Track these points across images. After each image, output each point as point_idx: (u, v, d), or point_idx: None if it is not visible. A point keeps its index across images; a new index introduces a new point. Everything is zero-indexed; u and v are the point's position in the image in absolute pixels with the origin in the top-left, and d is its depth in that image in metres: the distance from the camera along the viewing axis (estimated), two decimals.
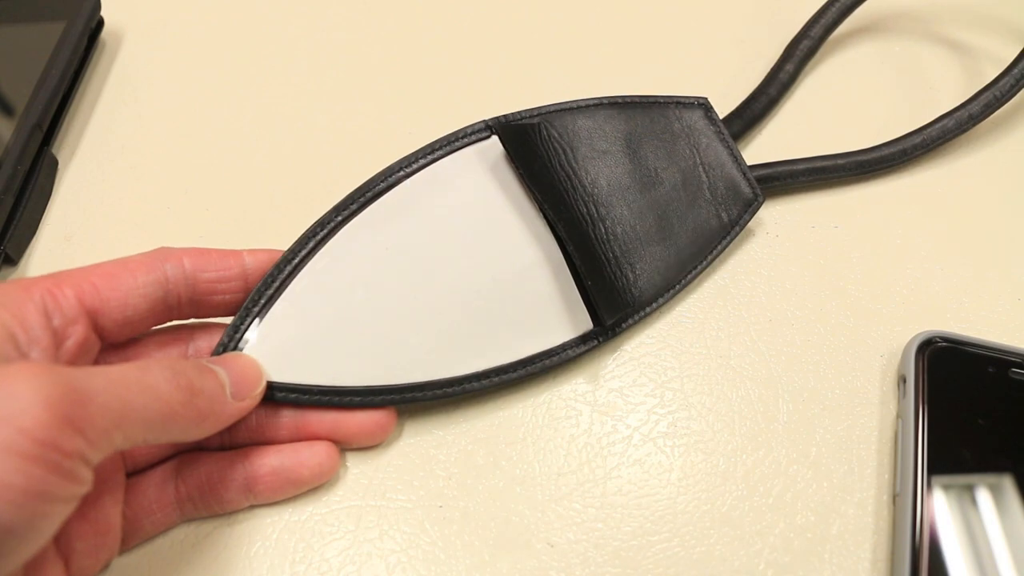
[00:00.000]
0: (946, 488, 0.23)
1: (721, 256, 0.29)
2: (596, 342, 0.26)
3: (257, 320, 0.23)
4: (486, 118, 0.27)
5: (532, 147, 0.27)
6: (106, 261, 0.22)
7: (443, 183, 0.26)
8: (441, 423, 0.26)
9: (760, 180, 0.29)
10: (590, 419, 0.26)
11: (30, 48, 0.33)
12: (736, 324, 0.28)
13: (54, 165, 0.32)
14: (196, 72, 0.35)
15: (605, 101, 0.29)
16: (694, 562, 0.23)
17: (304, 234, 0.24)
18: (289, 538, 0.24)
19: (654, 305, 0.27)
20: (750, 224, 0.30)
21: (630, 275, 0.26)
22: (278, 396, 0.23)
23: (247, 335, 0.23)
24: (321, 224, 0.25)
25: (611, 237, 0.26)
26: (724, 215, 0.28)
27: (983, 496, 0.23)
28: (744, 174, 0.29)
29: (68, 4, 0.34)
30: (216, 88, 0.34)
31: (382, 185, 0.25)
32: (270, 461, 0.23)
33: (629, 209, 0.27)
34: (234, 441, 0.24)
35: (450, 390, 0.24)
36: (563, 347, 0.25)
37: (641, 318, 0.26)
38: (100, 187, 0.31)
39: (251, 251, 0.24)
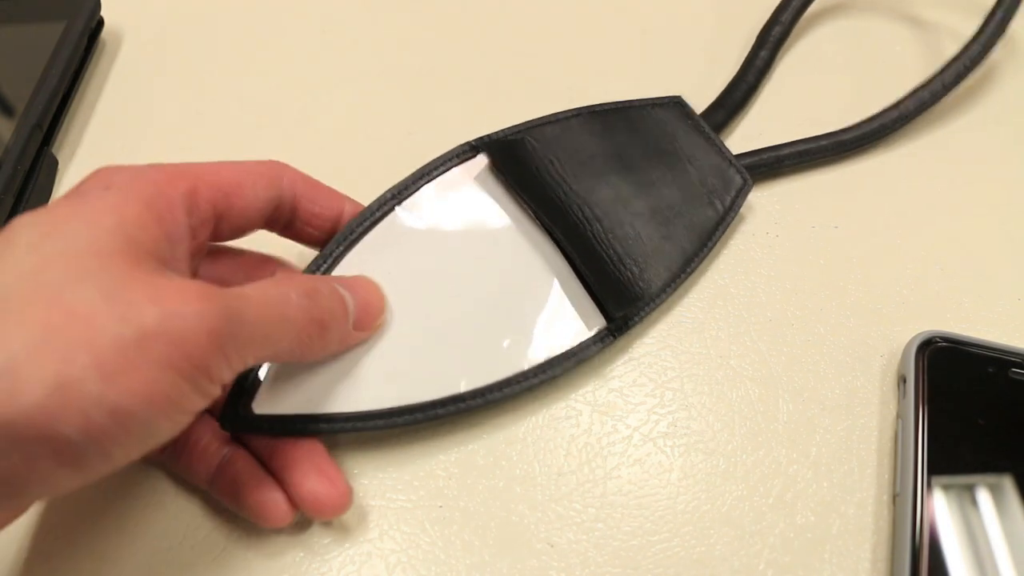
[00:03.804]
0: (946, 488, 0.23)
1: (721, 254, 0.29)
2: (612, 338, 0.26)
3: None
4: (468, 140, 0.28)
5: (520, 161, 0.27)
6: (229, 164, 0.22)
7: (435, 206, 0.26)
8: (441, 424, 0.26)
9: (747, 168, 0.29)
10: (590, 419, 0.26)
11: (30, 48, 0.33)
12: (736, 324, 0.28)
13: (54, 165, 0.32)
14: (196, 72, 0.35)
15: (584, 111, 0.29)
16: (694, 562, 0.23)
17: (307, 269, 0.25)
18: (289, 538, 0.24)
19: (663, 296, 0.27)
20: (750, 224, 0.30)
21: (635, 270, 0.26)
22: (309, 428, 0.23)
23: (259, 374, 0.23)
24: (323, 258, 0.25)
25: (610, 236, 0.26)
26: (718, 204, 0.28)
27: (983, 496, 0.23)
28: (730, 162, 0.29)
29: (68, 4, 0.34)
30: (216, 88, 0.34)
31: (378, 214, 0.26)
32: (237, 472, 0.22)
33: (624, 209, 0.27)
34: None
35: (473, 403, 0.24)
36: (580, 348, 0.25)
37: (651, 310, 0.26)
38: None
39: (352, 201, 0.25)
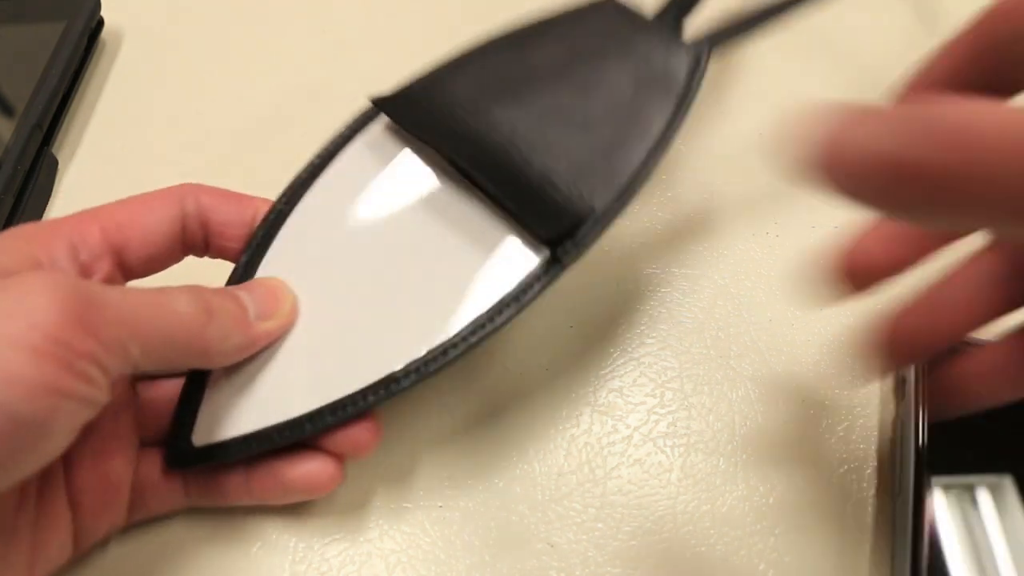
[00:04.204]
0: (946, 488, 0.23)
1: (721, 254, 0.29)
2: (559, 265, 0.23)
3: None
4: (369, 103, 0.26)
5: (420, 108, 0.25)
6: (128, 197, 0.22)
7: (344, 183, 0.25)
8: (441, 423, 0.26)
9: (706, 41, 0.26)
10: (590, 419, 0.26)
11: (30, 48, 0.33)
12: (736, 324, 0.28)
13: (54, 165, 0.32)
14: (196, 72, 0.35)
15: (498, 35, 0.26)
16: (694, 562, 0.23)
17: (229, 279, 0.24)
18: (289, 538, 0.24)
19: (624, 200, 0.23)
20: (750, 224, 0.30)
21: (573, 188, 0.23)
22: (255, 446, 0.22)
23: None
24: (239, 267, 0.24)
25: (541, 157, 0.24)
26: (673, 86, 0.25)
27: (983, 496, 0.23)
28: (677, 40, 0.26)
29: (68, 4, 0.34)
30: (216, 88, 0.34)
31: (285, 208, 0.24)
32: (269, 460, 0.22)
33: (556, 125, 0.24)
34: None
35: (430, 367, 0.22)
36: (522, 287, 0.23)
37: (613, 218, 0.23)
38: (100, 187, 0.31)
39: (265, 200, 0.24)
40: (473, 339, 0.22)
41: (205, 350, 0.20)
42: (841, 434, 0.25)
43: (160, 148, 0.33)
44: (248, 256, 0.23)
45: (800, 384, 0.26)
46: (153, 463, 0.23)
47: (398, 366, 0.22)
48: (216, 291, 0.21)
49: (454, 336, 0.22)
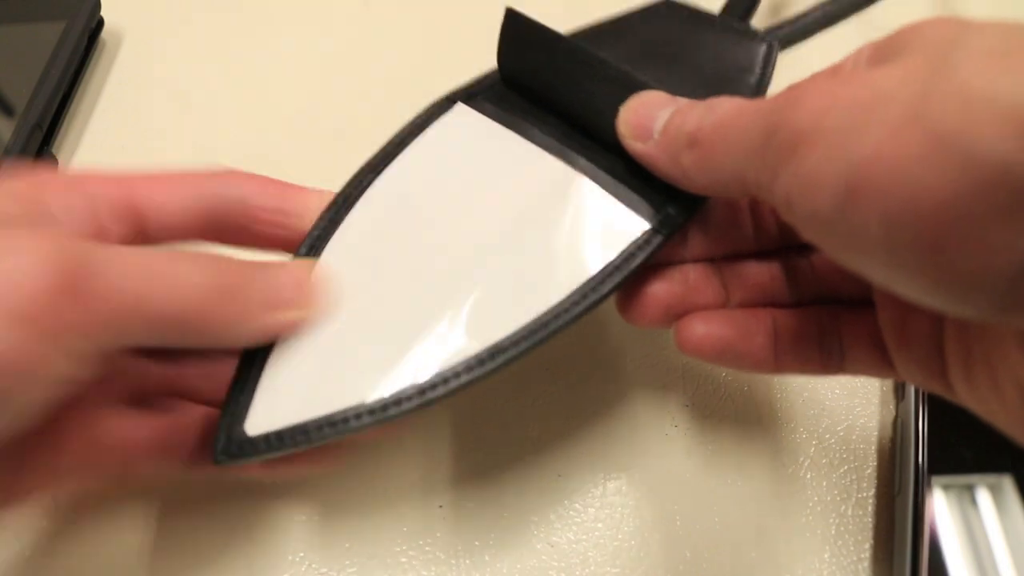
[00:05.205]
0: (946, 488, 0.23)
1: None
2: (681, 220, 0.22)
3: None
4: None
5: (534, 42, 0.24)
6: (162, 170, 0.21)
7: (421, 164, 0.24)
8: (442, 424, 0.26)
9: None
10: (591, 419, 0.26)
11: (30, 48, 0.33)
12: None
13: (54, 165, 0.32)
14: (196, 72, 0.35)
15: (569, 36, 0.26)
16: (695, 562, 0.23)
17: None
18: (289, 538, 0.24)
19: None
20: None
21: None
22: (326, 433, 0.19)
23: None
24: (305, 246, 0.22)
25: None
26: (748, 78, 0.25)
27: (983, 496, 0.23)
28: (744, 33, 0.26)
29: (68, 4, 0.34)
30: (216, 88, 0.34)
31: (356, 191, 0.23)
32: None
33: None
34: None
35: (534, 338, 0.20)
36: (630, 252, 0.22)
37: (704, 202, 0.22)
38: None
39: (320, 191, 0.22)
40: (577, 309, 0.21)
41: (216, 334, 0.18)
42: (841, 434, 0.25)
43: (159, 148, 0.33)
44: (309, 244, 0.22)
45: (800, 384, 0.26)
46: (137, 422, 0.20)
47: (500, 336, 0.20)
48: (236, 266, 0.19)
49: (556, 306, 0.21)
